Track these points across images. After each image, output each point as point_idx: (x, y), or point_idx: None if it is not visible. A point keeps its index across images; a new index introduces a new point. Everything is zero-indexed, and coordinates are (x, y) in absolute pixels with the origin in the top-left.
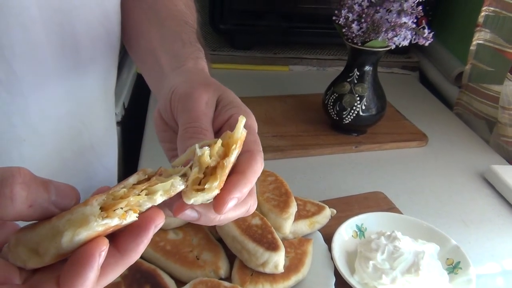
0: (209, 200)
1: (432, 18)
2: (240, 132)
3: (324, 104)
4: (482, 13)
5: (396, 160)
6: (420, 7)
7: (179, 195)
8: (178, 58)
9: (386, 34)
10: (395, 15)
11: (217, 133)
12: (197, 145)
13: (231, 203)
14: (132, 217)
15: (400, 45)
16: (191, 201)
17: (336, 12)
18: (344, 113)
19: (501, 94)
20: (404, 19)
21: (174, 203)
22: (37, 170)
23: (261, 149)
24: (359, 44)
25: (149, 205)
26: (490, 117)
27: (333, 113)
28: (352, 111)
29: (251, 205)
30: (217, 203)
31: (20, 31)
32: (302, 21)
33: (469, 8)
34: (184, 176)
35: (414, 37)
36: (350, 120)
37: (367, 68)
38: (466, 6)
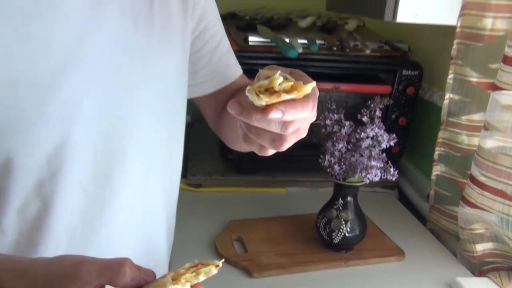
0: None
1: (404, 145)
2: (308, 90)
3: (317, 226)
4: (436, 152)
5: (378, 274)
6: (384, 154)
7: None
8: None
9: (361, 173)
10: (366, 159)
11: None
12: (279, 72)
13: (276, 113)
14: (187, 286)
15: (373, 181)
16: (248, 94)
17: (321, 156)
18: (333, 234)
19: (458, 215)
20: (373, 163)
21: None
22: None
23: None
24: (341, 180)
25: (196, 281)
26: (457, 233)
27: (324, 234)
28: (340, 233)
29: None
30: (268, 110)
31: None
32: (297, 149)
33: (432, 141)
34: (216, 266)
35: (383, 174)
36: (338, 240)
37: (349, 198)
38: (430, 139)
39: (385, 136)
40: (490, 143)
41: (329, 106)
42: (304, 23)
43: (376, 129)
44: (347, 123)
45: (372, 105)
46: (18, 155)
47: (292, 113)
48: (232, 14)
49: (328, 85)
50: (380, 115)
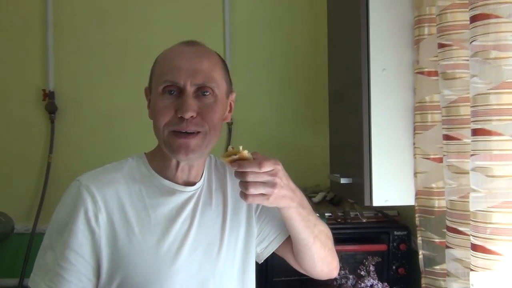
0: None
1: None
2: (245, 154)
3: None
4: None
5: None
6: None
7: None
8: None
9: None
10: None
11: None
12: (241, 147)
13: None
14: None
15: None
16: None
17: None
18: None
19: None
20: None
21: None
22: None
23: (259, 160)
24: None
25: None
26: None
27: None
28: None
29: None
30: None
31: None
32: None
33: None
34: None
35: None
36: None
37: None
38: None
39: (380, 284)
40: (455, 285)
41: None
42: (316, 198)
43: (371, 280)
44: (351, 276)
45: (366, 263)
46: None
47: (241, 163)
48: None
49: (337, 248)
50: (374, 269)
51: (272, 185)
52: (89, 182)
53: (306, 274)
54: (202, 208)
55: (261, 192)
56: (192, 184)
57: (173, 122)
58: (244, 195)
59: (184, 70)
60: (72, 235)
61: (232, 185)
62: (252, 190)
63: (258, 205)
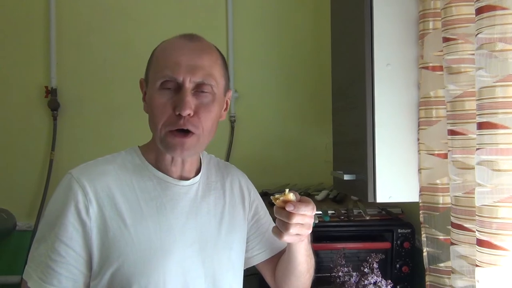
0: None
1: None
2: (290, 196)
3: None
4: None
5: None
6: None
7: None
8: None
9: None
10: None
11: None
12: (287, 190)
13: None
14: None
15: None
16: (271, 198)
17: None
18: None
19: None
20: None
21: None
22: None
23: (312, 205)
24: None
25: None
26: None
27: None
28: None
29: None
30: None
31: None
32: None
33: None
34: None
35: None
36: None
37: None
38: None
39: (383, 282)
40: (460, 282)
41: (340, 262)
42: (319, 196)
43: (375, 277)
44: (354, 274)
45: (370, 260)
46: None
47: (297, 205)
48: (264, 193)
49: (340, 245)
50: (377, 266)
51: (308, 227)
52: (80, 174)
53: None
54: (199, 205)
55: (298, 233)
56: (186, 179)
57: (171, 122)
58: (279, 234)
59: (183, 66)
60: (62, 228)
61: (231, 187)
62: (292, 231)
63: (253, 216)
